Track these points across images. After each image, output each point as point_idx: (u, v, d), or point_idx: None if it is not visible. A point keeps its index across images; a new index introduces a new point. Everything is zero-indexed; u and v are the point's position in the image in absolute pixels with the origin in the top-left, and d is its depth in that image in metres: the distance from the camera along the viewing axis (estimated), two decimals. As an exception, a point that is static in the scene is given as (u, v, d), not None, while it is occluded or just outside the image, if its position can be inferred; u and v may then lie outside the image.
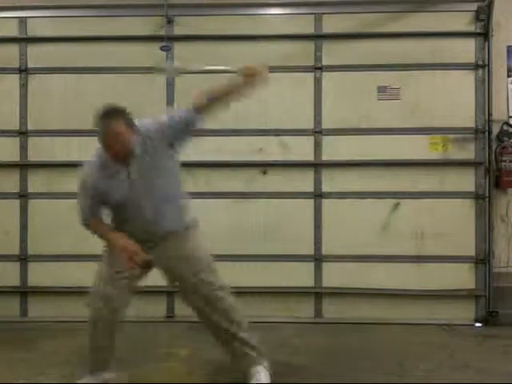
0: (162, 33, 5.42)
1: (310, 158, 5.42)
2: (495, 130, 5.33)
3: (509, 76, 5.41)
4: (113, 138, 3.16)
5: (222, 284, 3.44)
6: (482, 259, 5.31)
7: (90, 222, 3.53)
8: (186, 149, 3.52)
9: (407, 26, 5.36)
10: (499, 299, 5.29)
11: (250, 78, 3.30)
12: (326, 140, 5.41)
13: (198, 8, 5.48)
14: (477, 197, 5.34)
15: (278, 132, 5.41)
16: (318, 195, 5.41)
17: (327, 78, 5.42)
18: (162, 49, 5.36)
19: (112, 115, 3.22)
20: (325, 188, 5.41)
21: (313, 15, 5.43)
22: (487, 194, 5.32)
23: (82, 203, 3.52)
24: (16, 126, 5.52)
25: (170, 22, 5.43)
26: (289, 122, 5.40)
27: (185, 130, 3.35)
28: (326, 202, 5.41)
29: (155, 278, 5.35)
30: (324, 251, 5.40)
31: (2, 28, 5.55)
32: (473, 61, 5.35)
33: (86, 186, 3.45)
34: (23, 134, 5.52)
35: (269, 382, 3.43)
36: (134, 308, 5.31)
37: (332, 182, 5.41)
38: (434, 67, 5.37)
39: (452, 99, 5.33)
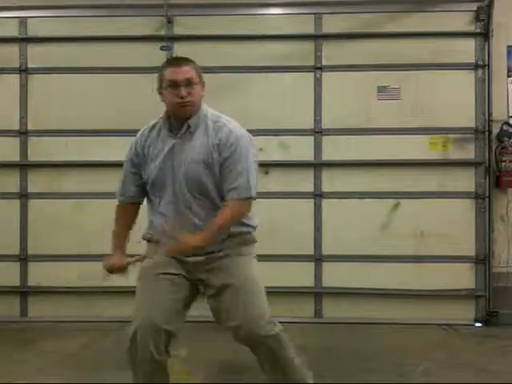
0: (162, 33, 5.43)
1: (310, 158, 5.42)
2: (495, 130, 5.33)
3: (509, 76, 5.41)
4: (181, 79, 2.65)
5: None
6: (482, 259, 5.31)
7: (116, 207, 2.98)
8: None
9: (407, 26, 5.36)
10: (499, 299, 5.29)
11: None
12: (326, 140, 5.41)
13: (198, 8, 5.48)
14: (477, 197, 5.34)
15: (277, 132, 5.41)
16: (318, 195, 5.41)
17: (327, 77, 5.42)
18: (162, 49, 5.36)
19: (184, 59, 2.77)
20: (325, 188, 5.41)
21: (313, 15, 5.43)
22: (487, 194, 5.32)
23: (120, 178, 2.93)
24: (16, 126, 5.51)
25: (170, 21, 5.43)
26: (289, 122, 5.40)
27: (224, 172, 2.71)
28: (325, 202, 5.41)
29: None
30: (324, 251, 5.39)
31: (2, 28, 5.55)
32: (473, 61, 5.34)
33: (128, 154, 2.89)
34: (23, 134, 5.52)
35: None
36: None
37: (332, 182, 5.41)
38: (434, 67, 5.36)
39: (452, 99, 5.32)
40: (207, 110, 2.79)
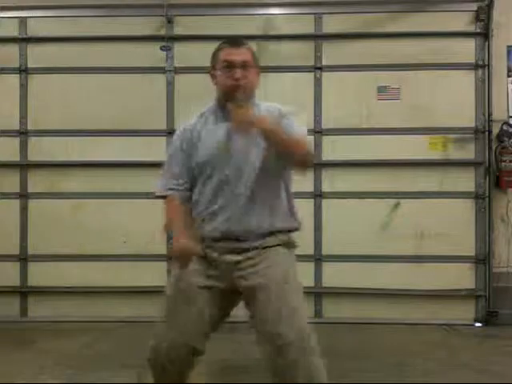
0: (162, 33, 5.43)
1: (310, 158, 5.41)
2: (495, 130, 5.33)
3: (509, 76, 5.41)
4: (238, 60, 2.47)
5: None
6: (482, 259, 5.31)
7: (166, 199, 2.59)
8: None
9: (407, 25, 5.36)
10: (499, 299, 5.29)
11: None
12: (326, 140, 5.41)
13: (198, 8, 5.48)
14: (477, 197, 5.34)
15: (277, 132, 5.40)
16: (317, 195, 5.41)
17: (327, 77, 5.42)
18: (162, 49, 5.36)
19: (242, 41, 2.59)
20: (325, 188, 5.41)
21: (313, 15, 5.43)
22: (487, 194, 5.32)
23: (162, 170, 2.64)
24: (16, 126, 5.51)
25: (170, 21, 5.43)
26: (289, 122, 5.38)
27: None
28: (325, 202, 5.41)
29: (153, 277, 5.37)
30: (324, 251, 5.39)
31: (2, 28, 5.55)
32: (473, 61, 5.35)
33: (174, 142, 2.61)
34: (23, 134, 5.52)
35: None
36: (134, 308, 5.36)
37: (332, 182, 5.41)
38: (434, 67, 5.36)
39: (452, 99, 5.32)
40: (258, 99, 2.65)
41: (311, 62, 5.42)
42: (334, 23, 5.42)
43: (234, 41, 2.58)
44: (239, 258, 2.48)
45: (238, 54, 2.50)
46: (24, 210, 5.51)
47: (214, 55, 2.58)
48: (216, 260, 2.50)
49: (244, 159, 2.48)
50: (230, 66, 2.48)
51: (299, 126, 2.61)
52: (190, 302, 2.49)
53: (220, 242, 2.49)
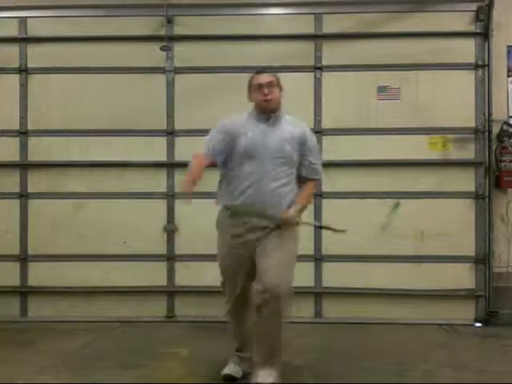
0: (162, 33, 5.42)
1: (310, 157, 5.41)
2: (495, 130, 5.33)
3: (509, 76, 5.41)
4: (265, 81, 3.56)
5: None
6: (482, 259, 5.31)
7: (197, 155, 3.44)
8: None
9: (407, 25, 5.36)
10: (499, 299, 5.29)
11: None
12: (326, 140, 5.41)
13: (198, 8, 5.49)
14: (477, 197, 5.34)
15: (278, 132, 5.40)
16: (318, 195, 5.40)
17: (327, 78, 5.42)
18: (162, 49, 5.36)
19: (268, 71, 3.70)
20: (325, 188, 5.41)
21: (313, 15, 5.43)
22: (487, 194, 5.32)
23: (207, 138, 3.61)
24: (16, 126, 5.51)
25: (169, 21, 5.43)
26: (289, 122, 5.38)
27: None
28: (325, 202, 5.41)
29: (155, 277, 5.38)
30: (324, 251, 5.39)
31: (2, 28, 5.55)
32: (473, 61, 5.35)
33: (219, 125, 3.64)
34: (23, 133, 5.52)
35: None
36: (134, 308, 5.37)
37: (332, 181, 5.40)
38: (434, 67, 5.37)
39: (452, 99, 5.32)
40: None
41: (311, 62, 5.42)
42: (334, 23, 5.42)
43: (261, 70, 3.70)
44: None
45: (264, 78, 3.59)
46: (24, 210, 5.51)
47: (249, 82, 3.64)
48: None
49: (276, 150, 3.53)
50: (259, 86, 3.56)
51: (317, 150, 3.80)
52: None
53: None
